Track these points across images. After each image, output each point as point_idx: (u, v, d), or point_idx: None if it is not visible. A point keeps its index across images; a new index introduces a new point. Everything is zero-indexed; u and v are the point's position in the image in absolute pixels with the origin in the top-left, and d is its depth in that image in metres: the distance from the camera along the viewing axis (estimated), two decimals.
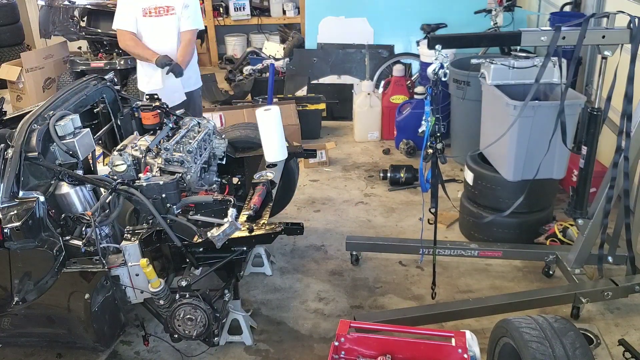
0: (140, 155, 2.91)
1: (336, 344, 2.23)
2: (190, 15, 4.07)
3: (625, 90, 2.72)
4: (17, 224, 2.41)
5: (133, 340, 3.13)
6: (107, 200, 2.64)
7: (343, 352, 2.24)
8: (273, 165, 3.31)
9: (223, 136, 3.50)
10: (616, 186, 2.93)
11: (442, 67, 2.55)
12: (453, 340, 2.17)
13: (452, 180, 4.80)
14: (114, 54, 6.43)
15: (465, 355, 2.11)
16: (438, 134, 2.68)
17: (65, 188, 2.70)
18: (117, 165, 2.80)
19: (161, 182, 2.66)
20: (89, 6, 6.47)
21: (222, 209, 2.79)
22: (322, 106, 5.82)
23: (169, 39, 4.08)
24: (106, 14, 6.41)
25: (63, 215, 2.66)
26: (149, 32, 4.05)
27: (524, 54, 3.70)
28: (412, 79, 5.95)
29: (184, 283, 2.64)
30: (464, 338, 2.15)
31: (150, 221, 2.71)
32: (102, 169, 3.20)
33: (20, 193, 2.51)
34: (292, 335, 3.14)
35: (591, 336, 2.85)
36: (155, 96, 3.42)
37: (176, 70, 3.95)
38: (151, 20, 4.02)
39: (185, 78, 4.11)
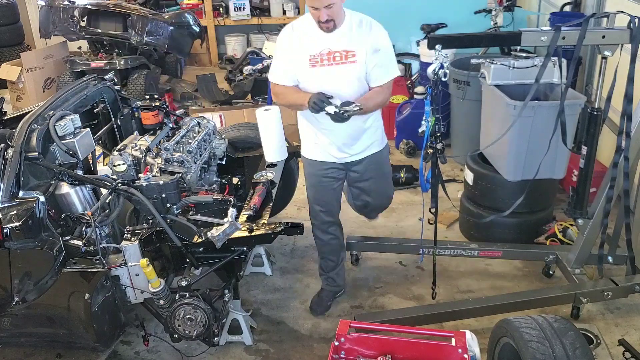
0: (140, 155, 2.92)
1: (336, 344, 2.23)
2: (384, 63, 2.84)
3: (625, 90, 2.72)
4: (17, 224, 2.42)
5: (133, 340, 3.13)
6: (107, 200, 2.64)
7: (343, 352, 2.24)
8: (273, 165, 3.31)
9: (223, 136, 3.50)
10: (616, 186, 2.93)
11: (442, 67, 2.55)
12: (453, 340, 2.17)
13: (452, 180, 4.80)
14: (114, 54, 6.43)
15: (465, 356, 2.10)
16: (438, 134, 2.68)
17: (65, 188, 2.71)
18: (117, 165, 2.80)
19: (161, 182, 2.66)
20: (89, 6, 6.47)
21: (222, 209, 2.79)
22: None
23: (346, 90, 2.84)
24: (106, 14, 6.42)
25: (63, 215, 2.66)
26: (319, 83, 2.82)
27: (524, 54, 3.70)
28: (412, 79, 5.95)
29: (184, 283, 2.64)
30: (464, 338, 2.15)
31: (150, 221, 2.71)
32: (102, 169, 3.20)
33: (20, 193, 2.51)
34: (292, 335, 3.14)
35: (591, 336, 2.85)
36: (156, 96, 3.42)
37: (339, 115, 2.68)
38: (323, 71, 2.82)
39: (363, 130, 2.99)
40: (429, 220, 2.94)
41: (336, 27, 2.76)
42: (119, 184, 2.62)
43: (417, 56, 5.98)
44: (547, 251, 3.47)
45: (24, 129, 2.63)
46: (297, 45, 2.84)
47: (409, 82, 5.78)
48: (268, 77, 3.01)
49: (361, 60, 2.81)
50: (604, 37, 2.70)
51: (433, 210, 2.86)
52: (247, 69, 6.80)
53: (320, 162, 3.09)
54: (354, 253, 3.71)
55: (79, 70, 6.26)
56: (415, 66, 6.22)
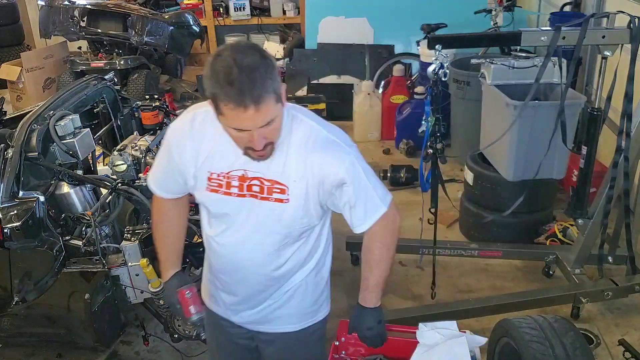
0: (140, 155, 2.91)
1: (336, 343, 2.23)
2: (359, 198, 1.73)
3: (625, 90, 2.72)
4: (17, 224, 2.41)
5: (133, 340, 3.12)
6: (107, 200, 2.64)
7: (343, 352, 2.24)
8: None
9: None
10: (616, 186, 2.93)
11: (442, 67, 2.55)
12: None
13: (452, 180, 4.80)
14: (114, 54, 6.43)
15: None
16: (438, 134, 2.68)
17: (65, 188, 2.71)
18: (117, 165, 2.80)
19: None
20: (89, 6, 6.46)
21: None
22: (322, 106, 5.80)
23: (266, 243, 1.74)
24: (106, 14, 6.42)
25: (63, 215, 2.66)
26: (221, 218, 1.75)
27: (524, 54, 3.69)
28: (412, 79, 5.95)
29: None
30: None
31: (150, 221, 2.71)
32: (102, 169, 3.20)
33: (20, 193, 2.51)
34: None
35: (591, 336, 2.86)
36: (156, 96, 3.42)
37: None
38: (229, 202, 1.69)
39: None
40: (428, 220, 2.94)
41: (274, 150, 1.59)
42: (119, 184, 2.62)
43: (417, 56, 5.98)
44: (547, 251, 3.47)
45: (24, 129, 2.63)
46: (192, 149, 1.66)
47: (409, 82, 5.78)
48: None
49: (297, 201, 1.65)
50: (604, 37, 2.70)
51: (433, 210, 2.86)
52: None
53: (215, 315, 1.95)
54: (354, 253, 3.70)
55: (79, 70, 6.25)
56: (415, 66, 6.23)
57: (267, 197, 1.65)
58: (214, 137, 1.62)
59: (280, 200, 1.65)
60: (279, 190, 1.64)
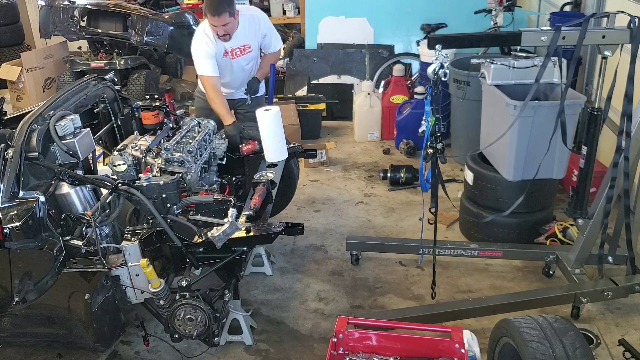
0: (141, 155, 2.92)
1: (334, 340, 2.23)
2: (272, 41, 4.01)
3: (625, 90, 2.72)
4: (18, 224, 2.42)
5: (133, 340, 3.13)
6: (107, 200, 2.64)
7: (341, 348, 2.25)
8: (273, 165, 3.31)
9: (223, 136, 3.50)
10: (616, 186, 2.93)
11: (442, 67, 2.55)
12: (450, 335, 2.18)
13: (452, 180, 4.80)
14: (114, 54, 6.44)
15: (463, 350, 2.11)
16: (438, 134, 2.68)
17: (65, 188, 2.70)
18: (117, 165, 2.80)
19: (161, 182, 2.66)
20: (89, 6, 6.47)
21: (222, 209, 2.79)
22: (322, 106, 5.82)
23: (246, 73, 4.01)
24: (106, 14, 6.42)
25: (63, 215, 2.66)
26: (228, 71, 3.92)
27: (524, 54, 3.69)
28: (412, 79, 5.95)
29: (184, 283, 2.64)
30: (460, 333, 2.16)
31: (151, 221, 2.71)
32: (103, 169, 3.21)
33: (21, 193, 2.51)
34: (292, 335, 3.14)
35: (591, 336, 2.86)
36: (156, 96, 3.42)
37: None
38: (230, 61, 3.87)
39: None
40: (428, 220, 2.94)
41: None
42: (120, 184, 2.62)
43: (417, 56, 5.99)
44: (547, 251, 3.47)
45: (24, 129, 2.63)
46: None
47: (409, 82, 5.78)
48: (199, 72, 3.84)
49: (255, 48, 3.94)
50: (604, 37, 2.70)
51: (433, 210, 2.86)
52: None
53: None
54: (354, 253, 3.71)
55: (79, 70, 6.26)
56: (415, 66, 6.23)
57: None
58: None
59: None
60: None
